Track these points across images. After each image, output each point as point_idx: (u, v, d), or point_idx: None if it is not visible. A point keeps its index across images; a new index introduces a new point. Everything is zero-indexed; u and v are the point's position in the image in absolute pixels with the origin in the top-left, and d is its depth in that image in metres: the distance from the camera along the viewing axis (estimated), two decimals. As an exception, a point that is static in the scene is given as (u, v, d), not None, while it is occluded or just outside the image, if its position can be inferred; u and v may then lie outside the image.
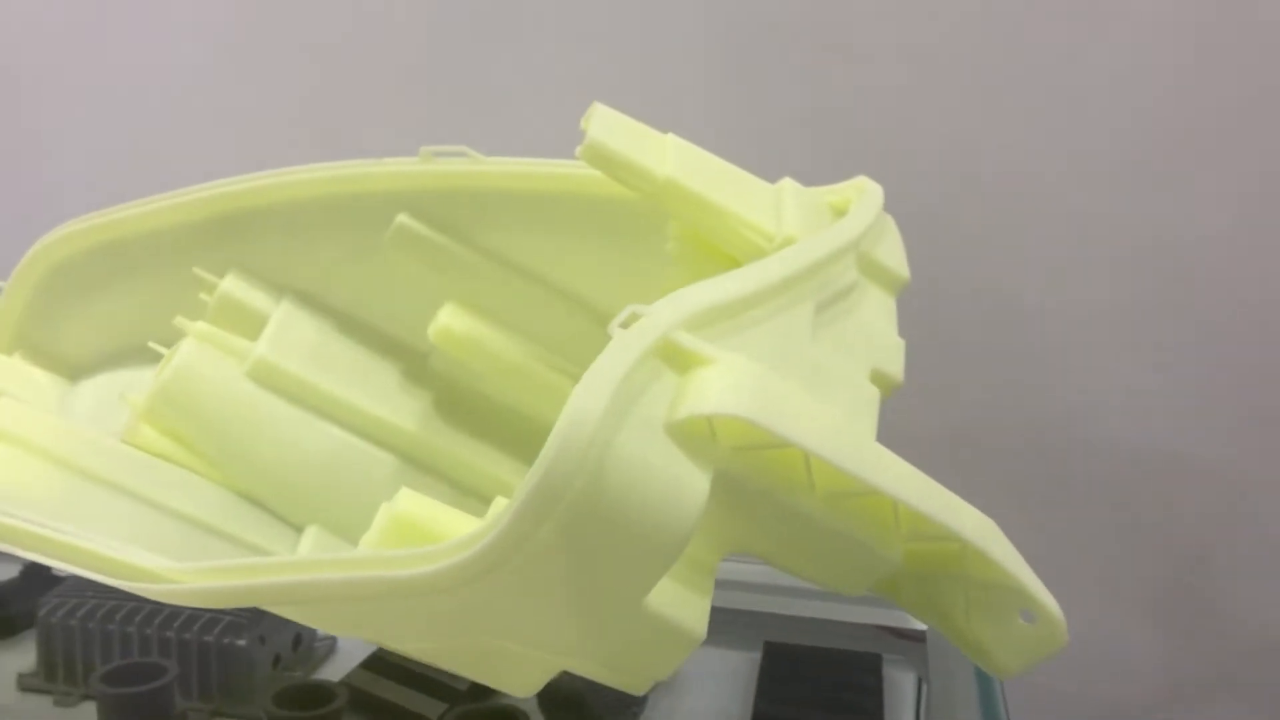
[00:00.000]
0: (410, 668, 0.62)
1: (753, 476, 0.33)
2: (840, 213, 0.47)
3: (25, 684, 0.58)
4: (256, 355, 0.51)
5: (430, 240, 0.52)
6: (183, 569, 0.36)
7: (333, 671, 0.60)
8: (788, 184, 0.48)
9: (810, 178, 0.50)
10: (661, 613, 0.33)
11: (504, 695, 0.57)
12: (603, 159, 0.44)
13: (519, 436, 0.55)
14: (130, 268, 0.54)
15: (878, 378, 0.40)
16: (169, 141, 0.78)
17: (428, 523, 0.42)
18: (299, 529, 0.52)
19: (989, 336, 0.59)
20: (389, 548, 0.42)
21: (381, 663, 0.59)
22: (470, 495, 0.54)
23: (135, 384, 0.55)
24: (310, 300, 0.54)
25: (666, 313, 0.33)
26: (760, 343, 0.35)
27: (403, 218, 0.51)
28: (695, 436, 0.32)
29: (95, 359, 0.57)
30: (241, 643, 0.54)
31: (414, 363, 0.55)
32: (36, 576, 0.63)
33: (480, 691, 0.58)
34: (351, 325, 0.55)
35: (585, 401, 0.30)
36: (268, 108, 0.76)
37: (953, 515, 0.35)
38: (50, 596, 0.58)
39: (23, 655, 0.60)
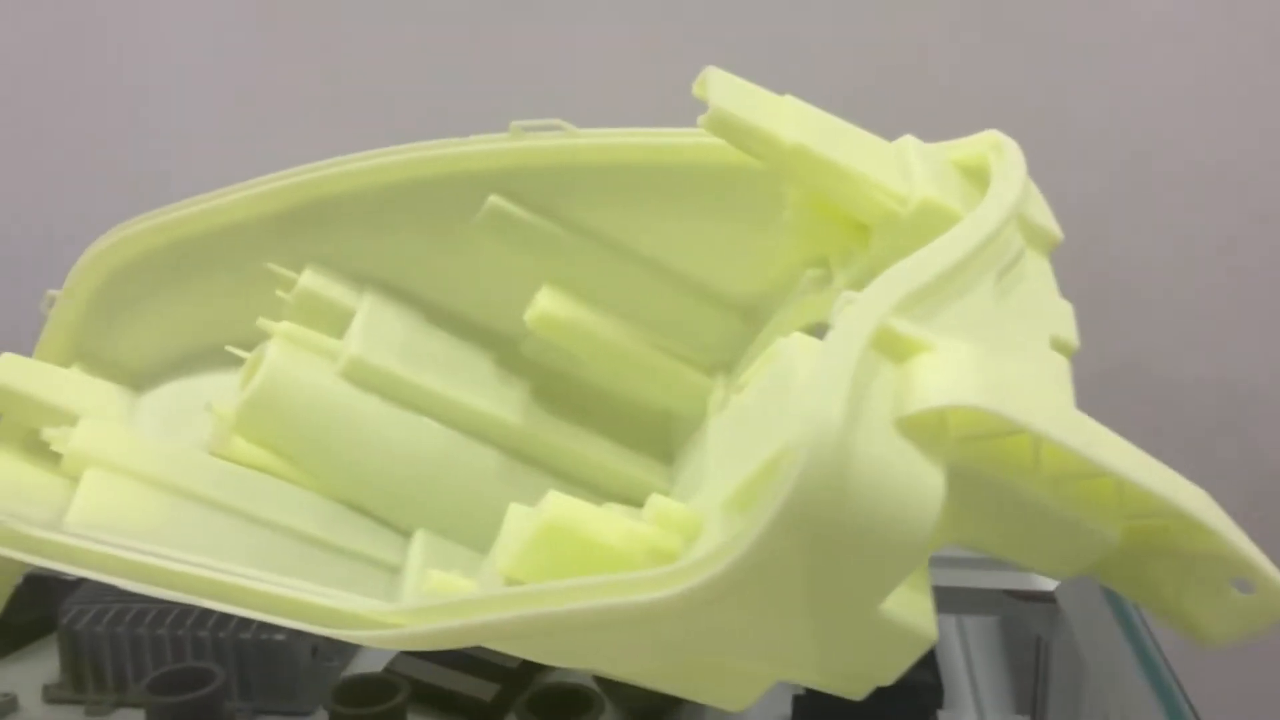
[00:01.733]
0: (455, 649, 0.61)
1: (980, 466, 0.31)
2: (969, 171, 0.45)
3: (52, 695, 0.56)
4: (350, 354, 0.48)
5: (524, 221, 0.49)
6: (396, 611, 0.33)
7: (369, 658, 0.58)
8: (910, 141, 0.45)
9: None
10: (895, 616, 0.31)
11: (560, 672, 0.56)
12: (728, 127, 0.42)
13: (621, 421, 0.52)
14: (195, 268, 0.51)
15: (1057, 344, 0.38)
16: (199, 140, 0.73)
17: (581, 527, 0.40)
18: (405, 534, 0.49)
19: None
20: (540, 556, 0.40)
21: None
22: (577, 485, 0.51)
23: (206, 391, 0.52)
24: (393, 291, 0.51)
25: (881, 297, 0.31)
26: (960, 321, 0.33)
27: (494, 199, 0.48)
28: (926, 430, 0.30)
29: (158, 366, 0.53)
30: (280, 637, 0.53)
31: (505, 350, 0.52)
32: (42, 584, 0.59)
33: (530, 669, 0.57)
34: (438, 315, 0.51)
35: (823, 406, 0.28)
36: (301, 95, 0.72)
37: (1174, 490, 0.33)
38: (69, 604, 0.56)
39: (40, 665, 0.58)
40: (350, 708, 0.49)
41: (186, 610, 0.55)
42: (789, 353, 0.36)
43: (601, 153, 0.47)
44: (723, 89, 0.42)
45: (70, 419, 0.50)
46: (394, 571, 0.48)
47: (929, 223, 0.43)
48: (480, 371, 0.51)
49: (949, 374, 0.30)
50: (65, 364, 0.52)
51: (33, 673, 0.57)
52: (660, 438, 0.53)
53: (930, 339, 0.30)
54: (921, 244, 0.43)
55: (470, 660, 0.58)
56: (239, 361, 0.52)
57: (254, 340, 0.51)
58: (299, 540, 0.47)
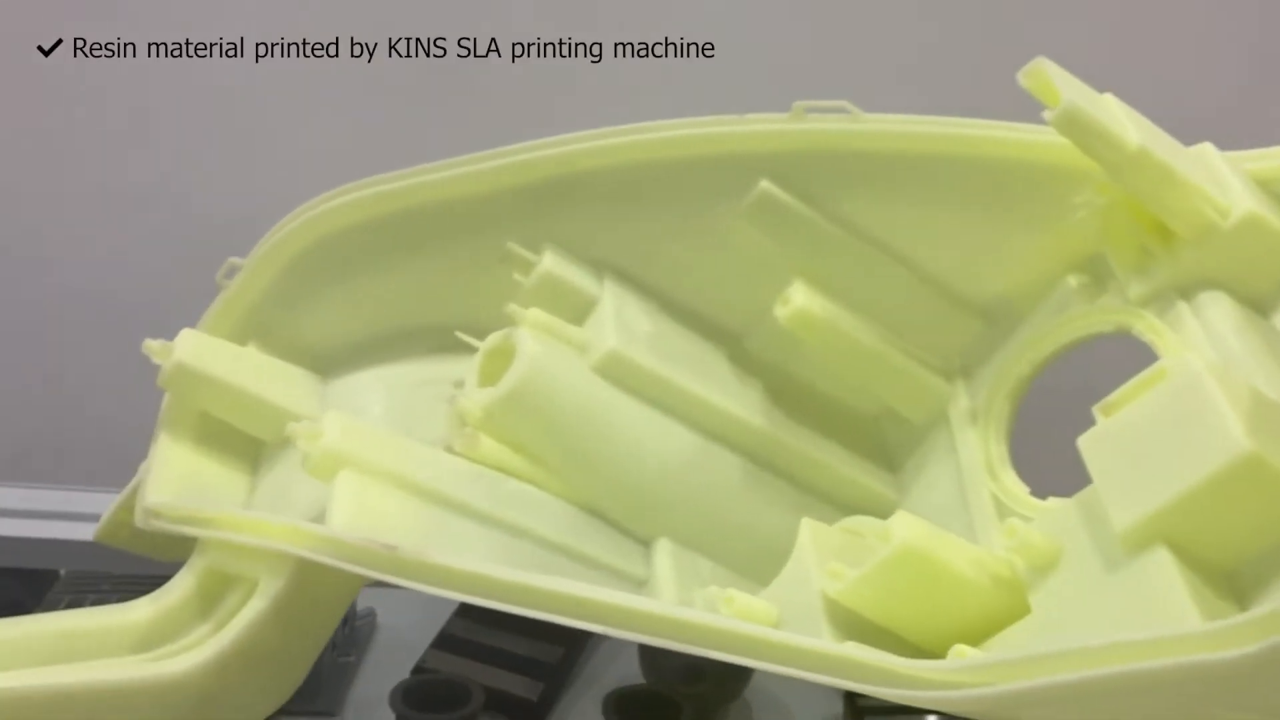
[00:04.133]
0: (486, 643, 0.58)
1: None
2: (1263, 183, 0.44)
3: None
4: (607, 348, 0.43)
5: (791, 209, 0.45)
6: (956, 668, 0.29)
7: (385, 651, 0.59)
8: (1209, 149, 0.44)
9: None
10: None
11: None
12: (1077, 125, 0.39)
13: (838, 422, 0.49)
14: (411, 244, 0.45)
15: None
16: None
17: (935, 553, 0.37)
18: (644, 542, 0.45)
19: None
20: (881, 581, 0.37)
21: (454, 641, 0.57)
22: (811, 495, 0.48)
23: (407, 381, 0.47)
24: (629, 279, 0.47)
25: None
26: None
27: (766, 184, 0.44)
28: None
29: (342, 350, 0.47)
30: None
31: (734, 347, 0.48)
32: (14, 578, 0.56)
33: (569, 661, 0.57)
34: (671, 307, 0.47)
35: None
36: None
37: None
38: (56, 594, 0.54)
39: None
40: (422, 713, 0.48)
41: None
42: (1191, 376, 0.35)
43: (885, 140, 0.44)
44: (1068, 84, 0.39)
45: (259, 406, 0.45)
46: (639, 584, 0.44)
47: (1248, 238, 0.41)
48: (719, 370, 0.47)
49: None
50: (240, 341, 0.46)
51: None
52: (875, 439, 0.50)
53: None
54: (1238, 259, 0.42)
55: (509, 656, 0.56)
56: (434, 347, 0.47)
57: (454, 325, 0.46)
58: (546, 548, 0.42)
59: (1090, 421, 0.37)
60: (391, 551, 0.31)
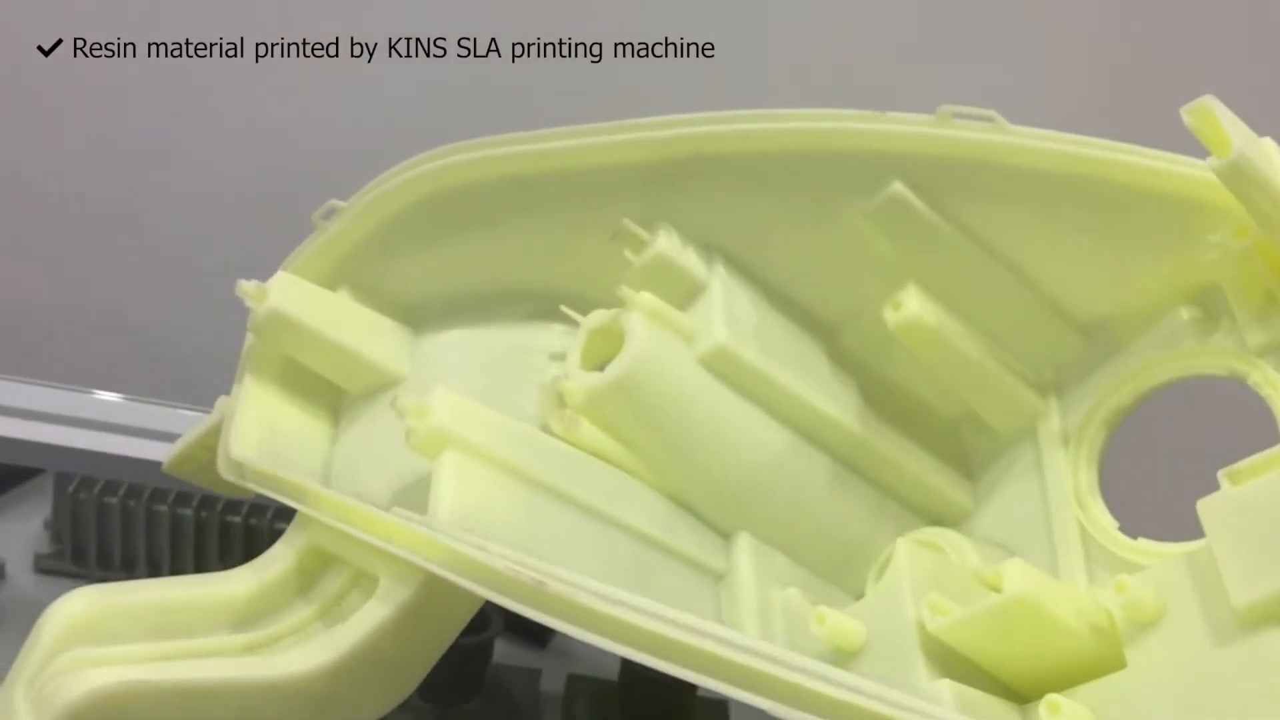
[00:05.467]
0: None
1: None
2: None
3: (44, 566, 0.53)
4: (715, 341, 0.42)
5: (920, 215, 0.43)
6: None
7: None
8: None
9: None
10: None
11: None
12: (1245, 180, 0.37)
13: (920, 422, 0.48)
14: (519, 209, 0.44)
15: None
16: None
17: (1045, 605, 0.37)
18: (724, 535, 0.44)
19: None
20: (984, 625, 0.37)
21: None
22: (890, 498, 0.47)
23: (499, 345, 0.45)
24: (739, 264, 0.45)
25: None
26: None
27: (899, 186, 0.43)
28: None
29: (436, 304, 0.46)
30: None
31: (831, 342, 0.47)
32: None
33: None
34: (775, 296, 0.46)
35: None
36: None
37: None
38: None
39: (20, 526, 0.56)
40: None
41: (188, 490, 0.53)
42: None
43: (1029, 156, 0.42)
44: (1238, 131, 0.38)
45: (351, 358, 0.43)
46: (717, 578, 0.43)
47: None
48: (818, 366, 0.46)
49: None
50: (331, 286, 0.44)
51: (14, 535, 0.55)
52: (954, 444, 0.49)
53: None
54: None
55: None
56: (532, 313, 0.46)
57: (555, 292, 0.45)
58: (636, 540, 0.42)
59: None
60: (540, 586, 0.29)
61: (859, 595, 0.46)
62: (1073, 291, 0.46)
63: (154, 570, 0.56)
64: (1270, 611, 0.33)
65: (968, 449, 0.49)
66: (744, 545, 0.44)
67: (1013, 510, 0.47)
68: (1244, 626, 0.34)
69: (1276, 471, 0.35)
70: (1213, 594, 0.35)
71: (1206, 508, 0.36)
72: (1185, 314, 0.44)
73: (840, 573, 0.46)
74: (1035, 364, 0.47)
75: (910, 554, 0.40)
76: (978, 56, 0.65)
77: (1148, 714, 0.35)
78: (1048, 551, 0.44)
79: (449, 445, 0.37)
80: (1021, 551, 0.45)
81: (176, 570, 0.56)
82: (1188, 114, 0.38)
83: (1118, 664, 0.37)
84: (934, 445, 0.48)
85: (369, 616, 0.31)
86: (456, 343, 0.45)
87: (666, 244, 0.43)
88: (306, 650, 0.31)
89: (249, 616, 0.33)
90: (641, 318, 0.41)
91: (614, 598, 0.32)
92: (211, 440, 0.43)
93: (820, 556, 0.45)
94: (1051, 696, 0.36)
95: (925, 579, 0.39)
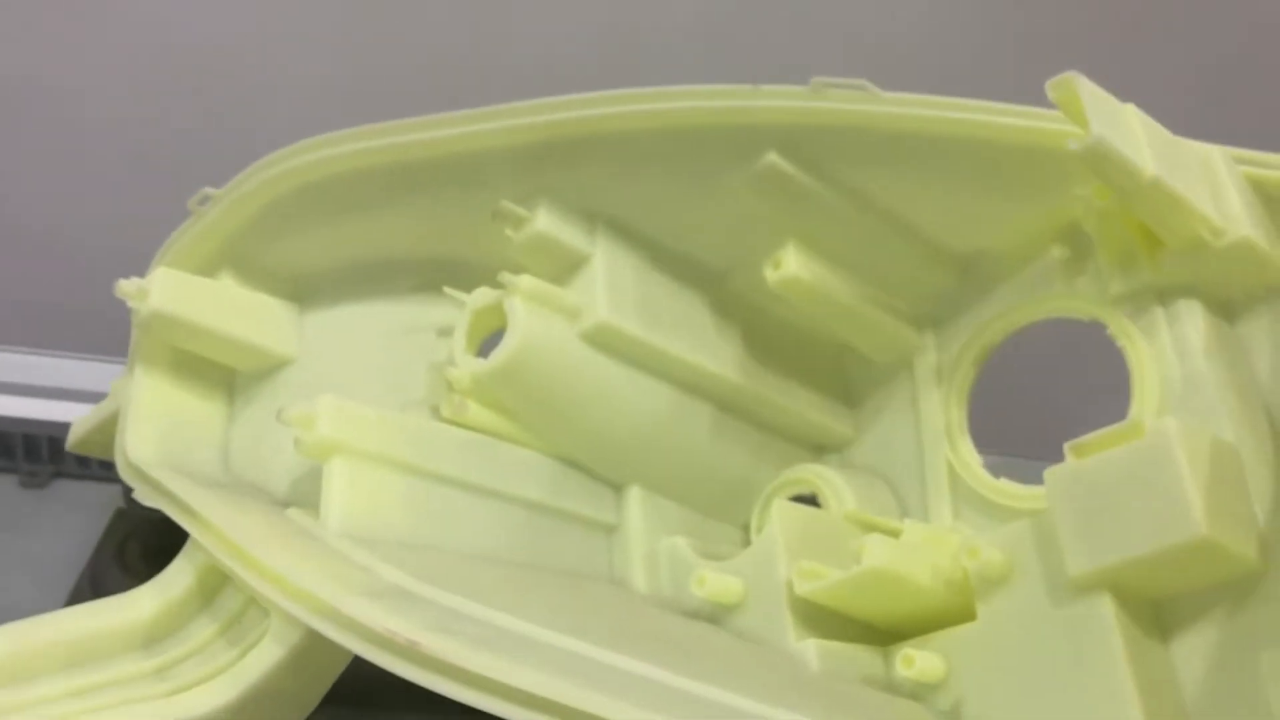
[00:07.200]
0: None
1: None
2: (1257, 185, 0.44)
3: None
4: (598, 318, 0.43)
5: (794, 180, 0.44)
6: None
7: None
8: (1218, 155, 0.43)
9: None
10: None
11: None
12: (1101, 159, 0.38)
13: (806, 357, 0.50)
14: (408, 190, 0.43)
15: None
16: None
17: (900, 572, 0.40)
18: (616, 488, 0.47)
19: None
20: (849, 589, 0.40)
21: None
22: (774, 435, 0.50)
23: (384, 320, 0.46)
24: (622, 232, 0.45)
25: None
26: None
27: (774, 157, 0.43)
28: None
29: (321, 280, 0.46)
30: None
31: (717, 290, 0.48)
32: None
33: None
34: (662, 255, 0.47)
35: None
36: None
37: None
38: None
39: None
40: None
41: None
42: (1164, 444, 0.36)
43: (903, 121, 0.43)
44: (1098, 110, 0.38)
45: (238, 345, 0.44)
46: (609, 531, 0.46)
47: (1234, 257, 0.42)
48: (700, 321, 0.47)
49: None
50: (212, 272, 0.44)
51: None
52: (837, 373, 0.52)
53: None
54: (1219, 272, 0.43)
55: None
56: (417, 285, 0.47)
57: (440, 261, 0.46)
58: (529, 509, 0.44)
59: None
60: (413, 647, 0.31)
61: (745, 526, 0.50)
62: (950, 233, 0.47)
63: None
64: (1098, 580, 0.37)
65: (850, 378, 0.52)
66: (634, 497, 0.46)
67: (889, 441, 0.49)
68: (1074, 591, 0.37)
69: (1118, 450, 0.37)
70: (1052, 559, 0.38)
71: (1052, 477, 0.39)
72: (1056, 252, 0.46)
73: (727, 510, 0.49)
74: (913, 299, 0.49)
75: (784, 515, 0.43)
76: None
77: (993, 663, 0.39)
78: (918, 486, 0.47)
79: (337, 452, 0.39)
80: (895, 483, 0.49)
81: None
82: (1052, 89, 0.39)
83: (971, 614, 0.40)
84: (818, 377, 0.51)
85: (263, 657, 0.33)
86: (345, 319, 0.46)
87: (547, 221, 0.43)
88: (210, 690, 0.33)
89: (155, 636, 0.35)
90: (522, 302, 0.42)
91: (495, 647, 0.32)
92: (111, 426, 0.44)
93: (708, 498, 0.48)
94: (906, 650, 0.40)
95: (798, 539, 0.42)
